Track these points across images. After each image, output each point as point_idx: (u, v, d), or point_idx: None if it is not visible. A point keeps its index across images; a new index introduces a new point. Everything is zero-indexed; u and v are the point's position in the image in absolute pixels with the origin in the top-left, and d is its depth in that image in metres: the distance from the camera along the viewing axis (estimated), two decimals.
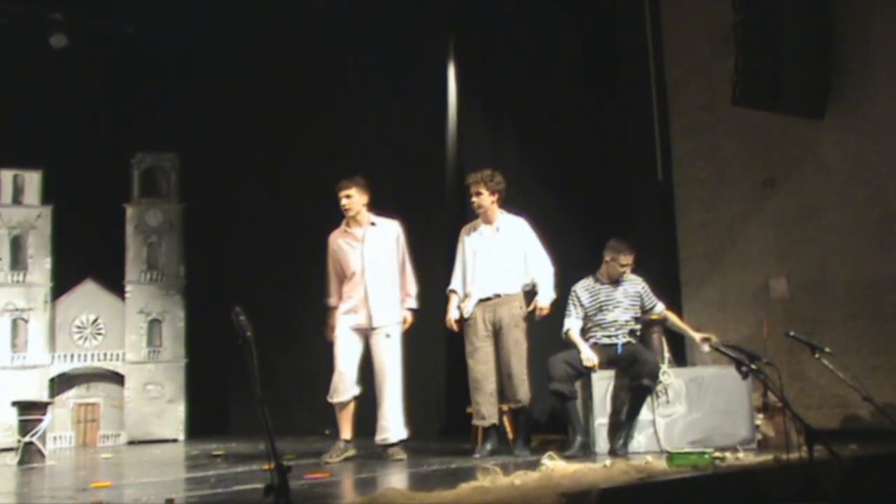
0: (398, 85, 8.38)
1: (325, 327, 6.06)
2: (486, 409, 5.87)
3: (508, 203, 6.12)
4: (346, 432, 5.90)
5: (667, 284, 6.77)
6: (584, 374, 5.75)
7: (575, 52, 7.66)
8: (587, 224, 7.19)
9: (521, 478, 3.82)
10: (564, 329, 5.90)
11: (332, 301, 6.06)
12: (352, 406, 5.91)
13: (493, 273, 5.91)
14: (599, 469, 4.14)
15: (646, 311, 5.95)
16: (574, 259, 6.44)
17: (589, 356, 5.68)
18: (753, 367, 4.43)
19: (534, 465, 4.31)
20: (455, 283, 6.07)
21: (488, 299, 5.90)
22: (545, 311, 5.85)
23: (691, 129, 7.24)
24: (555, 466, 4.23)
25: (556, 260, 6.04)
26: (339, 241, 6.05)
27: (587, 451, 5.56)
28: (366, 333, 5.93)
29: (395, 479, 4.90)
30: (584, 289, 5.95)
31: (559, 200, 7.51)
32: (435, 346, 7.46)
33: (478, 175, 5.99)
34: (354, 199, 5.95)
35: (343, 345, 5.91)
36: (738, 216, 6.95)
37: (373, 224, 6.02)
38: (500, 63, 7.92)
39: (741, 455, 4.83)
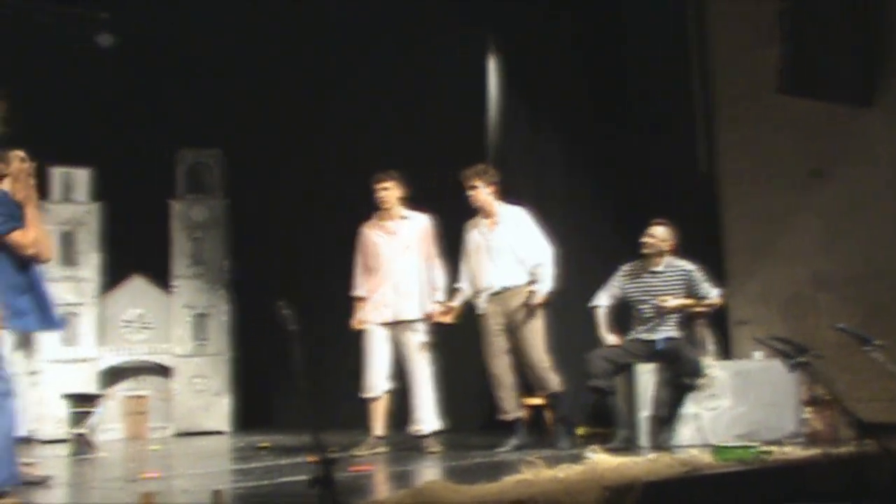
0: (437, 78, 8.38)
1: (351, 318, 6.09)
2: (508, 403, 5.86)
3: (550, 196, 6.11)
4: (379, 427, 5.94)
5: (710, 278, 6.69)
6: (624, 368, 5.71)
7: (615, 41, 7.60)
8: (627, 217, 7.13)
9: (564, 471, 3.82)
10: (592, 303, 5.84)
11: (360, 292, 6.09)
12: (384, 401, 5.95)
13: (500, 266, 5.87)
14: (644, 462, 4.11)
15: (698, 298, 5.78)
16: (612, 252, 6.39)
17: (606, 337, 5.66)
18: (802, 359, 4.38)
19: (577, 459, 4.30)
20: (461, 280, 6.04)
21: (498, 293, 5.87)
22: (538, 302, 5.76)
23: (735, 119, 7.15)
24: (598, 459, 4.22)
25: (594, 253, 5.99)
26: (370, 233, 6.10)
27: (631, 445, 5.53)
28: (394, 327, 5.97)
29: (436, 471, 4.92)
30: (626, 272, 5.86)
31: (599, 193, 7.46)
32: (475, 338, 7.45)
33: (471, 170, 5.99)
34: (391, 192, 6.02)
35: (372, 339, 5.96)
36: (784, 208, 6.85)
37: (404, 218, 6.06)
38: (538, 53, 7.87)
39: (788, 449, 4.77)
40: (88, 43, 9.37)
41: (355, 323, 6.06)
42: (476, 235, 5.97)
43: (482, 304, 5.90)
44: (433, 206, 6.33)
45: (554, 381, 5.78)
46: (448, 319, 6.01)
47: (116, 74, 9.65)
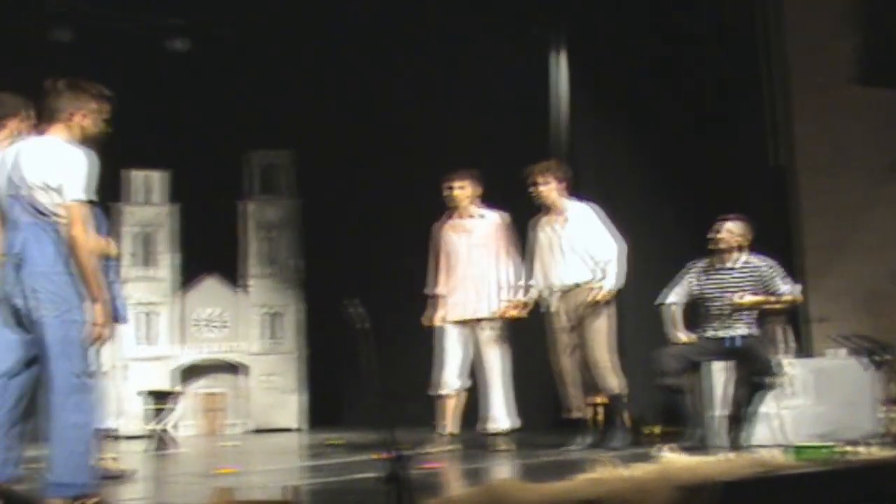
0: (506, 75, 8.36)
1: (424, 316, 6.11)
2: (572, 401, 5.80)
3: (616, 191, 6.04)
4: (450, 426, 5.94)
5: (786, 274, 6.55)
6: (694, 366, 5.61)
7: (685, 34, 7.47)
8: (695, 212, 7.01)
9: (637, 469, 3.78)
10: (659, 300, 5.74)
11: (433, 290, 6.12)
12: (456, 399, 5.95)
13: (568, 263, 5.81)
14: (719, 462, 4.05)
15: (775, 295, 5.56)
16: (680, 248, 6.29)
17: (676, 335, 5.55)
18: (883, 357, 4.26)
19: (650, 458, 4.26)
20: (533, 277, 6.00)
21: (566, 291, 5.82)
22: (601, 298, 5.67)
23: (811, 110, 6.98)
24: (670, 458, 4.17)
25: (663, 249, 5.90)
26: (445, 232, 6.11)
27: (704, 444, 5.44)
28: (470, 325, 5.98)
29: (507, 469, 4.92)
30: (698, 268, 5.72)
31: (667, 188, 7.36)
32: (543, 335, 7.42)
33: (539, 166, 5.93)
34: (467, 190, 6.03)
35: (446, 337, 5.97)
36: (862, 202, 6.67)
37: (480, 216, 6.06)
38: (604, 47, 7.79)
39: (866, 449, 4.64)
40: (162, 49, 9.60)
41: (425, 320, 6.09)
42: (545, 232, 5.94)
43: (550, 301, 5.87)
44: (502, 204, 6.29)
45: (613, 382, 5.69)
46: (520, 315, 5.97)
47: (190, 78, 9.87)
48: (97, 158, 3.50)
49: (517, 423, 5.91)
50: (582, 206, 5.93)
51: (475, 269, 5.98)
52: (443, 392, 5.96)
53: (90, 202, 3.42)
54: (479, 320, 5.94)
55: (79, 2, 8.94)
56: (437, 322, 6.04)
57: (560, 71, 8.12)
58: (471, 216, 6.06)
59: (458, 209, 6.07)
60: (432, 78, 9.09)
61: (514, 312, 5.94)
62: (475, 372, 6.01)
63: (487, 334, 5.94)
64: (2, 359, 3.45)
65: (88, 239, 3.39)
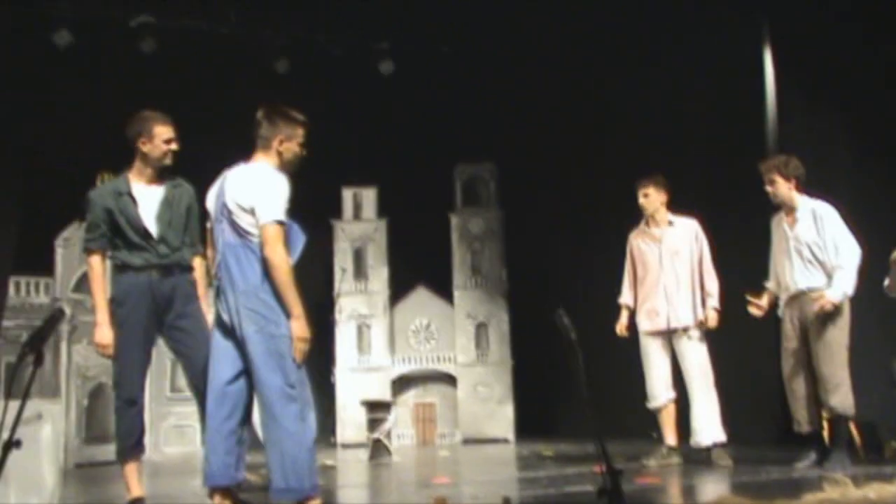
0: (710, 74, 8.04)
1: (617, 325, 5.99)
2: (800, 413, 5.38)
3: (836, 189, 5.61)
4: (670, 437, 5.79)
5: None
6: None
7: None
8: None
9: (876, 490, 3.48)
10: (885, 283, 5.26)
11: (625, 299, 6.01)
12: (670, 410, 5.79)
13: (798, 267, 5.41)
14: None
15: None
16: None
17: None
18: None
19: (892, 478, 3.91)
20: (769, 278, 5.66)
21: (796, 296, 5.42)
22: (827, 306, 5.18)
23: None
24: None
25: (880, 249, 5.39)
26: (637, 240, 6.00)
27: None
28: (669, 335, 5.81)
29: (726, 486, 4.69)
30: None
31: (888, 185, 6.78)
32: (768, 345, 7.05)
33: (770, 162, 5.56)
34: (652, 197, 5.88)
35: (649, 349, 5.87)
36: None
37: (670, 223, 5.88)
38: (818, 43, 7.32)
39: None
40: (371, 71, 10.00)
41: (619, 329, 5.98)
42: (778, 232, 5.61)
43: (781, 305, 5.55)
44: (713, 203, 6.05)
45: (837, 400, 5.20)
46: (758, 314, 5.64)
47: (396, 97, 10.21)
48: (289, 181, 3.68)
49: (720, 437, 5.63)
50: (815, 204, 5.46)
51: (668, 277, 5.81)
52: (653, 405, 5.84)
53: (281, 223, 3.58)
54: (676, 330, 5.75)
55: (294, 33, 9.51)
56: (626, 331, 5.92)
57: (768, 70, 7.73)
58: (661, 224, 5.89)
59: (647, 217, 5.92)
60: (634, 82, 8.91)
61: (757, 307, 5.58)
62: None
63: (687, 344, 5.73)
64: (222, 368, 3.72)
65: (284, 257, 3.56)
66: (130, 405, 4.21)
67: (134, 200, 4.24)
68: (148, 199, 4.26)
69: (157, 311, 4.21)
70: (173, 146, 4.30)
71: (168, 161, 4.29)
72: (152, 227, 4.23)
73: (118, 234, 4.24)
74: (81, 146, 8.82)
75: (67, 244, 8.98)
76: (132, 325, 4.18)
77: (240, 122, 4.08)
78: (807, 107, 7.50)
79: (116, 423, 4.27)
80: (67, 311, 8.19)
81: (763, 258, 5.88)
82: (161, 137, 4.27)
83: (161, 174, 4.30)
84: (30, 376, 3.58)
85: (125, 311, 4.19)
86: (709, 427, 5.65)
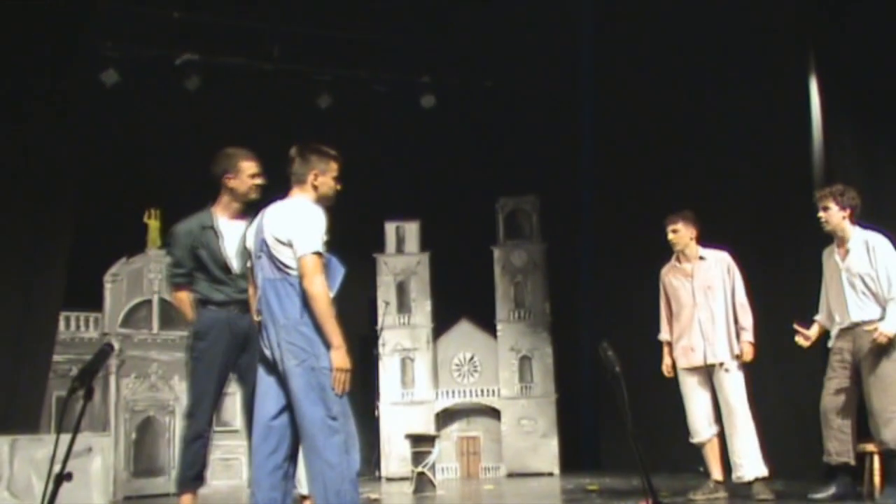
0: (756, 103, 7.99)
1: (662, 365, 5.95)
2: (832, 444, 5.26)
3: (885, 219, 5.51)
4: (716, 472, 5.71)
5: None
6: None
7: None
8: None
9: None
10: None
11: (665, 336, 5.97)
12: (714, 444, 5.71)
13: (851, 298, 5.28)
14: None
15: None
16: None
17: None
18: None
19: None
20: (820, 310, 5.56)
21: (847, 328, 5.31)
22: (881, 339, 5.06)
23: None
24: None
25: None
26: (669, 277, 5.96)
27: None
28: (706, 370, 5.74)
29: None
30: None
31: None
32: (815, 378, 6.91)
33: (826, 190, 5.49)
34: (681, 233, 5.84)
35: (687, 385, 5.81)
36: None
37: (701, 258, 5.83)
38: (865, 71, 7.24)
39: None
40: (412, 105, 10.10)
41: (665, 369, 5.93)
42: (829, 263, 5.51)
43: (833, 338, 5.44)
44: (761, 234, 5.96)
45: (890, 436, 5.07)
46: (805, 344, 5.56)
47: (439, 131, 10.29)
48: (327, 214, 3.71)
49: (762, 472, 5.52)
50: (867, 235, 5.36)
51: (703, 313, 5.75)
52: (696, 440, 5.78)
53: (319, 254, 3.60)
54: (713, 365, 5.68)
55: (337, 70, 9.67)
56: (668, 370, 5.88)
57: (814, 97, 7.66)
58: (692, 259, 5.84)
59: (678, 252, 5.88)
60: (678, 111, 8.87)
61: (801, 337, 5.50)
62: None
63: (724, 379, 5.66)
64: (267, 404, 3.71)
65: (322, 288, 3.57)
66: (198, 437, 4.25)
67: (217, 234, 4.31)
68: (231, 234, 4.31)
69: (236, 346, 4.26)
70: (259, 181, 4.36)
71: (255, 195, 4.34)
72: (233, 262, 4.28)
73: (200, 268, 4.30)
74: (128, 183, 9.01)
75: (116, 279, 9.13)
76: (210, 359, 4.23)
77: (283, 159, 4.15)
78: (854, 136, 7.40)
79: (181, 453, 4.31)
80: (116, 345, 8.32)
81: (812, 290, 5.79)
82: (247, 172, 4.35)
83: (246, 210, 4.35)
84: (80, 410, 3.63)
85: (205, 345, 4.25)
86: (749, 461, 5.56)
